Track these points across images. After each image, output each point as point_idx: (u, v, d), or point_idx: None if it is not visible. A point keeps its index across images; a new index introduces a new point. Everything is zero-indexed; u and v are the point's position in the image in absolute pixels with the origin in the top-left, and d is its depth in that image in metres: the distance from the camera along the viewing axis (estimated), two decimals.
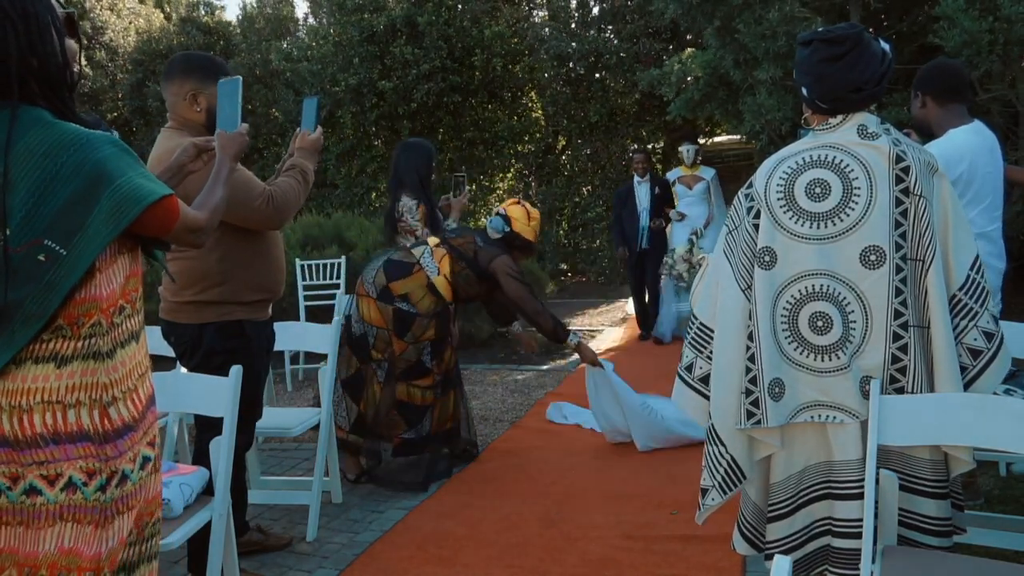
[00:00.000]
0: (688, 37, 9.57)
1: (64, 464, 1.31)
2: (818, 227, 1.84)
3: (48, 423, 1.29)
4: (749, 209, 1.95)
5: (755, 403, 1.86)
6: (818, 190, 1.85)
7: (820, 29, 1.97)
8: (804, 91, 1.95)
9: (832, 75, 1.87)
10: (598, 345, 6.89)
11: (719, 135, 11.51)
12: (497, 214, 3.80)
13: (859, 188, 1.82)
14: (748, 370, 1.88)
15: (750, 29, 5.58)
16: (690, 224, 6.69)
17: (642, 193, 6.77)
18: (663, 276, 6.69)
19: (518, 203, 3.87)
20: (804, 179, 1.87)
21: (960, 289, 1.84)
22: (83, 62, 1.49)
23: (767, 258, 1.88)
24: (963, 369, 1.84)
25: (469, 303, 3.91)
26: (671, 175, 7.01)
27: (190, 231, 1.52)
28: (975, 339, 1.84)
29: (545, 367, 6.19)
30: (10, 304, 1.29)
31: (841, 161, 1.85)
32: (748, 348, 1.89)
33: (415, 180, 4.18)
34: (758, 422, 1.84)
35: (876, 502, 1.75)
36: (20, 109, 1.31)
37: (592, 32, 10.30)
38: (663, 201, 6.73)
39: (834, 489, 1.87)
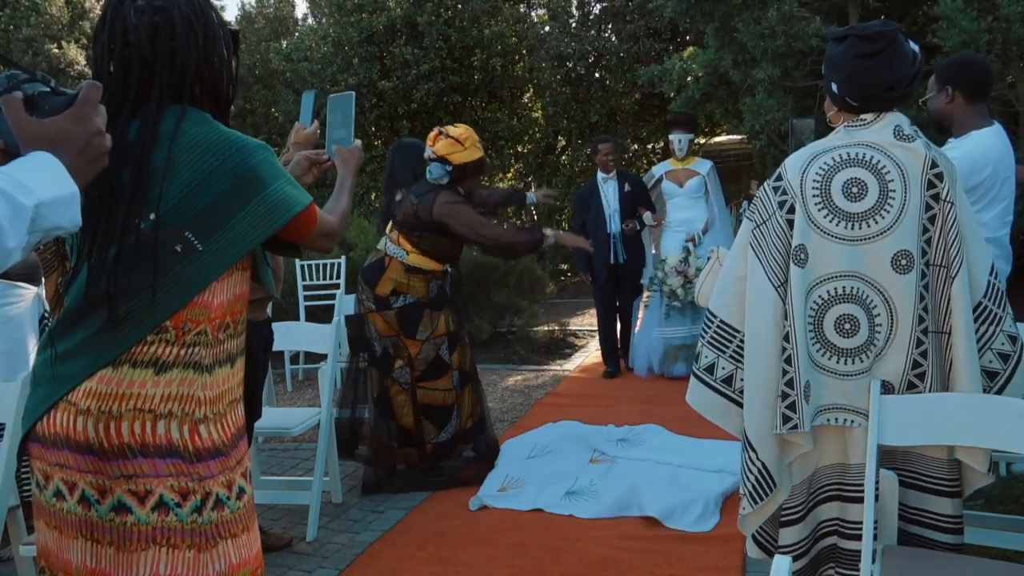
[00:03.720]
0: (688, 37, 9.57)
1: (154, 481, 1.25)
2: (852, 228, 1.80)
3: (136, 433, 1.24)
4: (782, 204, 1.88)
5: (791, 407, 1.79)
6: (855, 190, 1.81)
7: (853, 25, 1.92)
8: (834, 87, 1.90)
9: (867, 72, 1.83)
10: (598, 347, 6.88)
11: (719, 135, 11.50)
12: (429, 160, 3.46)
13: (894, 191, 1.79)
14: (784, 372, 1.82)
15: (749, 29, 5.58)
16: (685, 228, 5.49)
17: (609, 192, 5.52)
18: (647, 293, 5.56)
19: (439, 135, 3.47)
20: (841, 177, 1.82)
21: (984, 296, 1.82)
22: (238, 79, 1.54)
23: (802, 256, 1.83)
24: (995, 375, 1.83)
25: (456, 259, 3.62)
26: (657, 169, 5.80)
27: (325, 236, 1.53)
28: (1003, 343, 1.84)
29: (545, 367, 6.19)
30: (124, 290, 1.25)
31: (878, 162, 1.81)
32: (784, 349, 1.83)
33: (410, 179, 4.20)
34: (795, 427, 1.79)
35: (876, 502, 1.75)
36: (189, 107, 1.35)
37: (592, 32, 10.30)
38: (635, 200, 5.51)
39: (845, 491, 1.86)
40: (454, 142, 3.43)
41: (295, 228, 1.41)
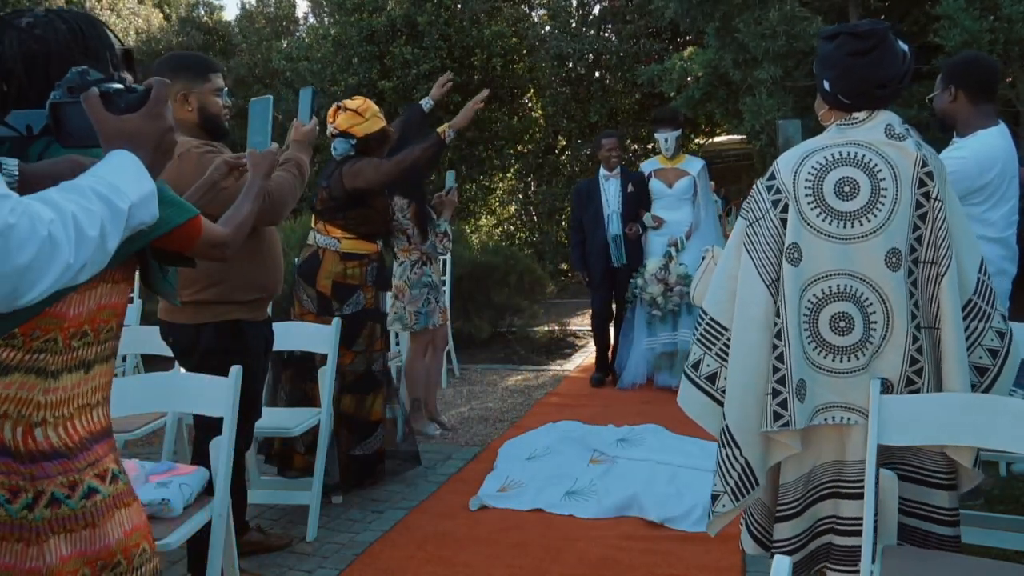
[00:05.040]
0: (688, 37, 9.58)
1: None
2: (844, 226, 1.82)
3: None
4: (775, 203, 1.88)
5: (783, 404, 1.80)
6: (847, 189, 1.82)
7: (844, 23, 1.94)
8: (826, 85, 1.91)
9: (859, 69, 1.84)
10: None
11: (719, 135, 11.50)
12: (332, 136, 3.41)
13: (886, 189, 1.80)
14: (776, 370, 1.83)
15: (750, 29, 5.58)
16: (666, 232, 5.15)
17: (610, 191, 5.21)
18: (632, 303, 5.23)
19: (337, 111, 3.40)
20: (833, 176, 1.83)
21: (974, 293, 1.84)
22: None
23: (795, 254, 1.84)
24: (984, 371, 1.84)
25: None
26: (646, 167, 5.43)
27: (213, 247, 1.53)
28: (992, 340, 1.85)
29: (545, 367, 6.19)
30: None
31: (870, 160, 1.83)
32: (776, 347, 1.84)
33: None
34: (785, 424, 1.79)
35: (876, 501, 1.76)
36: None
37: (592, 32, 10.30)
38: (637, 202, 5.23)
39: (841, 488, 1.87)
40: (354, 114, 3.36)
41: (174, 242, 1.42)
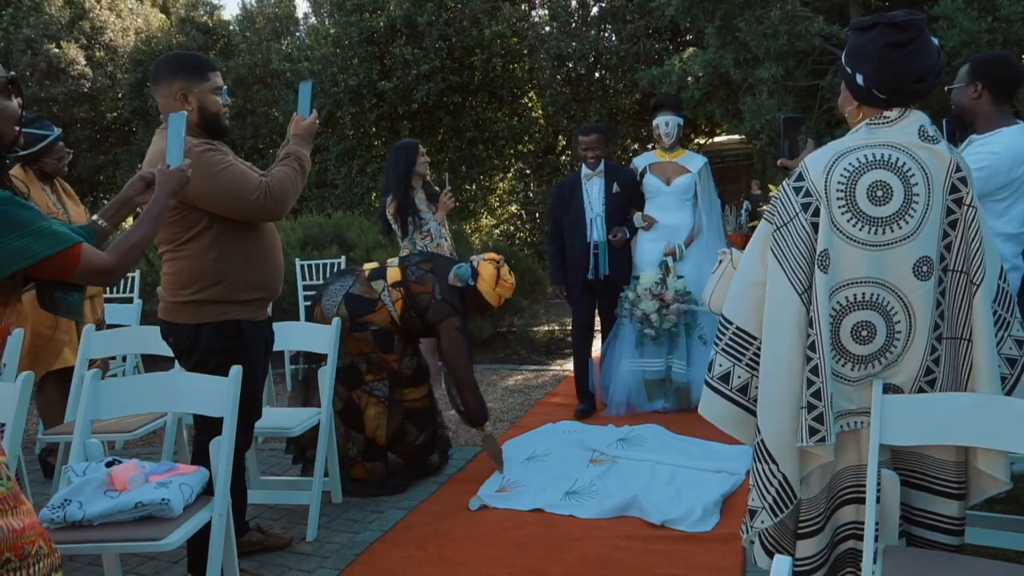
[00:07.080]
0: (688, 37, 9.59)
1: None
2: (875, 232, 1.75)
3: None
4: (805, 206, 1.78)
5: (819, 419, 1.72)
6: (880, 193, 1.74)
7: (880, 14, 1.83)
8: (859, 79, 1.81)
9: (896, 62, 1.75)
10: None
11: (719, 135, 11.51)
12: (470, 262, 3.57)
13: (918, 195, 1.73)
14: (810, 383, 1.74)
15: (751, 28, 5.58)
16: (664, 237, 4.50)
17: (592, 192, 4.53)
18: (622, 318, 4.53)
19: (497, 262, 3.58)
20: (866, 180, 1.74)
21: (995, 302, 1.79)
22: (23, 114, 1.59)
23: (826, 261, 1.75)
24: (1003, 379, 1.81)
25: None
26: (640, 161, 4.70)
27: (95, 274, 1.54)
28: (1010, 348, 1.82)
29: (545, 367, 6.19)
30: None
31: (904, 164, 1.75)
32: (810, 359, 1.75)
33: (393, 177, 4.40)
34: (822, 439, 1.73)
35: (878, 502, 1.75)
36: None
37: (592, 32, 10.30)
38: (625, 202, 4.54)
39: (863, 493, 1.83)
40: (494, 275, 3.52)
41: (47, 272, 1.44)
